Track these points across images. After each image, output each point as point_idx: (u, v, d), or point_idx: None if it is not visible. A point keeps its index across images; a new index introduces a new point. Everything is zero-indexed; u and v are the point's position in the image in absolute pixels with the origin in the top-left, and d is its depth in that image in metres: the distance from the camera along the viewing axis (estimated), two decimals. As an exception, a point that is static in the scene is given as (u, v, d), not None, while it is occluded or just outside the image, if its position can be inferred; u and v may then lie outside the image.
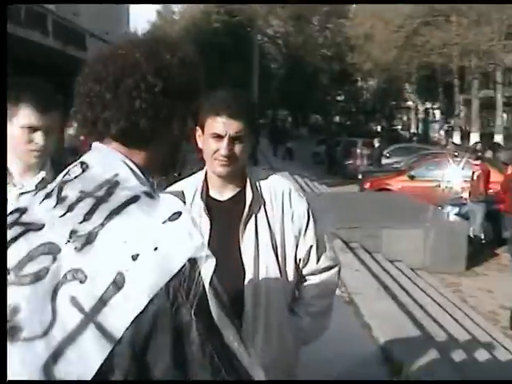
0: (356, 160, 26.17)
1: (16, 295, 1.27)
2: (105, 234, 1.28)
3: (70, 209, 1.35)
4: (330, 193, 21.03)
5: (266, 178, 2.73)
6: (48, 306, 1.25)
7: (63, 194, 1.40)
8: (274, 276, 2.61)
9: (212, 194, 2.70)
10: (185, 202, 1.49)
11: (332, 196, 18.09)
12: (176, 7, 67.50)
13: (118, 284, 1.24)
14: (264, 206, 2.65)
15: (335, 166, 30.06)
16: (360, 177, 21.58)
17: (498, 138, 43.30)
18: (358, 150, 26.41)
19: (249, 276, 2.58)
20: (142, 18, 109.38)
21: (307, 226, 2.69)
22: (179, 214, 1.32)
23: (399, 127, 67.54)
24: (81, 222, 1.31)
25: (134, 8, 62.70)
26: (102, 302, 1.23)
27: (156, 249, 1.26)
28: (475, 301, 9.76)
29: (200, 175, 2.74)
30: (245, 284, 2.58)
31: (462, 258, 11.57)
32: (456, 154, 18.42)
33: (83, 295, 1.24)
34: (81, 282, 1.25)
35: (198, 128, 2.59)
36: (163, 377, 1.24)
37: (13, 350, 1.23)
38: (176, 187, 2.64)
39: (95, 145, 1.51)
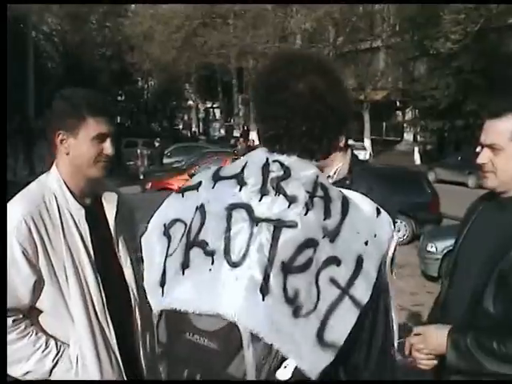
0: (137, 160, 25.99)
1: (294, 282, 1.59)
2: (345, 228, 1.66)
3: (308, 208, 1.65)
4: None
5: None
6: (313, 287, 1.60)
7: (289, 193, 1.67)
8: None
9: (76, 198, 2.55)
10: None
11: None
12: None
13: (360, 264, 1.64)
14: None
15: (119, 167, 29.73)
16: (142, 177, 21.42)
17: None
18: (139, 151, 26.26)
19: (130, 280, 2.65)
20: None
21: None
22: (378, 208, 1.75)
23: (180, 127, 68.18)
24: (324, 219, 1.65)
25: None
26: (354, 278, 1.63)
27: (375, 235, 1.69)
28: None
29: (51, 179, 2.53)
30: (131, 291, 2.64)
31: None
32: (235, 151, 18.89)
33: (340, 275, 1.63)
34: (337, 265, 1.63)
35: (61, 133, 2.49)
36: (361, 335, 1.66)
37: (296, 323, 1.58)
38: (34, 194, 2.49)
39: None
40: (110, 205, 2.62)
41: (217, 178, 1.78)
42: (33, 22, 45.03)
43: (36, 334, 2.42)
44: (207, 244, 1.67)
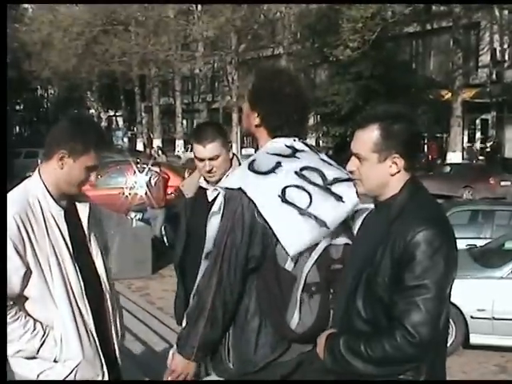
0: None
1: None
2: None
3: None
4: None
5: None
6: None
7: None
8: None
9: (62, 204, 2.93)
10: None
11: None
12: None
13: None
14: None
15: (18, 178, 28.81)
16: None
17: (180, 143, 45.09)
18: (39, 161, 25.20)
19: (101, 271, 3.04)
20: None
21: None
22: None
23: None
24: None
25: None
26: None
27: None
28: (163, 302, 9.90)
29: (34, 185, 2.88)
30: (102, 280, 3.03)
31: (148, 262, 11.71)
32: (138, 160, 18.60)
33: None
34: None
35: (63, 152, 2.86)
36: None
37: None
38: (19, 198, 2.82)
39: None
40: (83, 207, 3.02)
41: (292, 154, 2.67)
42: None
43: (25, 317, 2.79)
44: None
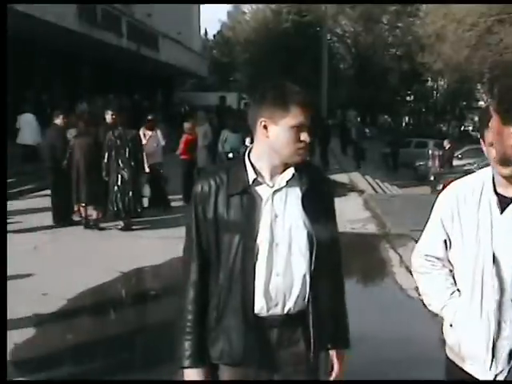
0: (427, 161, 25.51)
1: None
2: None
3: None
4: (403, 194, 20.83)
5: None
6: None
7: None
8: None
9: (498, 190, 2.72)
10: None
11: (405, 198, 17.86)
12: (246, 8, 67.48)
13: None
14: None
15: (402, 167, 29.85)
16: (432, 178, 21.15)
17: None
18: (430, 151, 25.68)
19: None
20: (213, 18, 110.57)
21: None
22: None
23: (470, 128, 66.17)
24: None
25: (204, 8, 63.18)
26: None
27: None
28: None
29: (486, 172, 2.80)
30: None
31: None
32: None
33: None
34: None
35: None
36: None
37: None
38: (469, 180, 2.86)
39: None
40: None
41: None
42: (328, 25, 46.66)
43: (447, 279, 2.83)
44: None
